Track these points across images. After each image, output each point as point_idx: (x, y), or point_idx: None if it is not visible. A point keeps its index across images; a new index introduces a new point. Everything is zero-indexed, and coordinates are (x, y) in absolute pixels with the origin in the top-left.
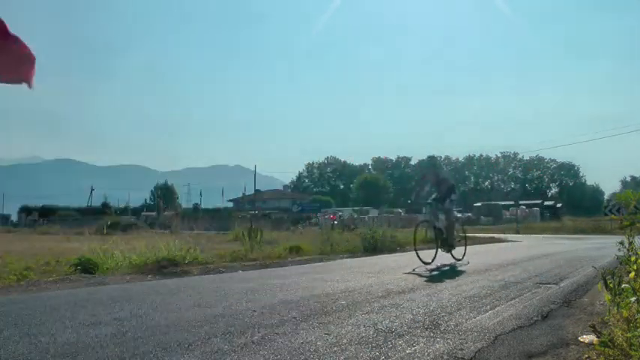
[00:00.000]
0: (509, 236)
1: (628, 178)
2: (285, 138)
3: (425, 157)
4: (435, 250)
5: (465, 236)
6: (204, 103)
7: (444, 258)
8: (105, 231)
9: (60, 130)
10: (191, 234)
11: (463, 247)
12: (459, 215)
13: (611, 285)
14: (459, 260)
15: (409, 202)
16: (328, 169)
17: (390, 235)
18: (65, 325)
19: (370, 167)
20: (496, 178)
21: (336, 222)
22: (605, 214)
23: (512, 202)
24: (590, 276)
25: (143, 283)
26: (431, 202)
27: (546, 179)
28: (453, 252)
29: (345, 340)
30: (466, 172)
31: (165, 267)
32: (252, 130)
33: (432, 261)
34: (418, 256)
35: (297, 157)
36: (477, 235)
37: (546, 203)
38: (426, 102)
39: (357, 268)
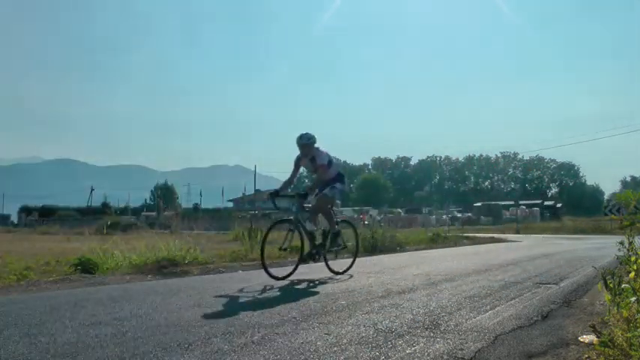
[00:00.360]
0: (509, 236)
1: (628, 178)
2: (285, 138)
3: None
4: (296, 261)
5: (358, 243)
6: (204, 103)
7: (315, 271)
8: (105, 231)
9: (60, 130)
10: (191, 234)
11: (351, 258)
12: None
13: (611, 285)
14: (339, 274)
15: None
16: None
17: (390, 235)
18: (65, 325)
19: (370, 167)
20: (496, 178)
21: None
22: (605, 214)
23: (512, 202)
24: (590, 276)
25: (143, 283)
26: (300, 193)
27: (546, 179)
28: (330, 262)
29: (345, 340)
30: (466, 172)
31: (165, 267)
32: (252, 130)
33: (289, 275)
34: (266, 270)
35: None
36: (477, 235)
37: (546, 203)
38: (426, 102)
39: (357, 268)
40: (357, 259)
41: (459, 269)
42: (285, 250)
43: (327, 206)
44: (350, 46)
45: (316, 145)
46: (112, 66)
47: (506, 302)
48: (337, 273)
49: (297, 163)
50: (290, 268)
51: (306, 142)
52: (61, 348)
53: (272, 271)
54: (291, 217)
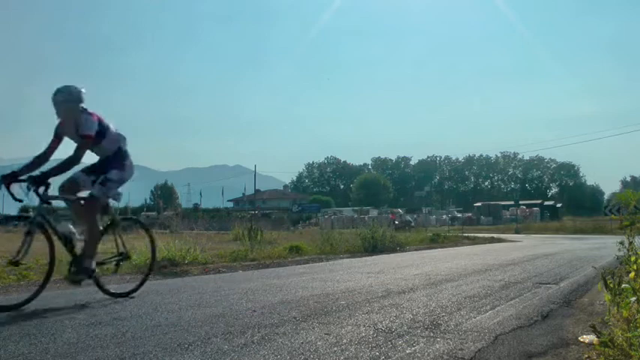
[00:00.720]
0: (509, 236)
1: (628, 178)
2: (285, 138)
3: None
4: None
5: (154, 253)
6: (205, 103)
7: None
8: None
9: None
10: (191, 234)
11: (140, 275)
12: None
13: (611, 285)
14: (120, 295)
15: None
16: (328, 169)
17: (390, 235)
18: (65, 325)
19: (370, 167)
20: (496, 178)
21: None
22: (605, 214)
23: (512, 202)
24: (590, 276)
25: None
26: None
27: (546, 179)
28: (99, 280)
29: (345, 340)
30: (466, 172)
31: (165, 267)
32: (252, 130)
33: (26, 302)
34: None
35: (297, 157)
36: (477, 235)
37: (546, 203)
38: (426, 102)
39: (357, 268)
40: (356, 259)
41: (459, 269)
42: (17, 264)
43: (94, 214)
44: (350, 46)
45: (83, 106)
46: (112, 66)
47: (507, 302)
48: (116, 295)
49: (57, 132)
50: (27, 295)
51: (63, 100)
52: (61, 348)
53: None
54: (30, 214)
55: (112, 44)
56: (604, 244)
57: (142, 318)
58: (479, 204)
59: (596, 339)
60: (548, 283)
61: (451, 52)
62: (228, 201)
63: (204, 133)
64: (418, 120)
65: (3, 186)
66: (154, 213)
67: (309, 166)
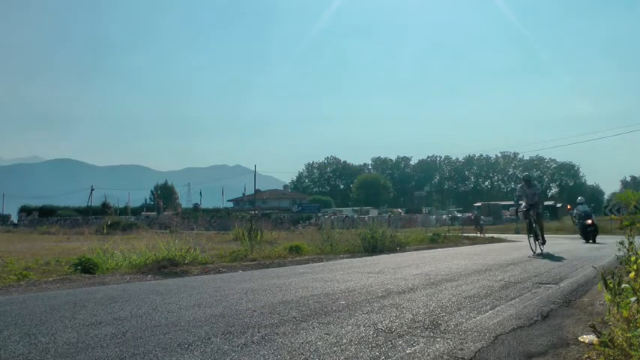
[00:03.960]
0: (509, 236)
1: (628, 178)
2: (285, 138)
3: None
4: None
5: None
6: (205, 104)
7: None
8: (105, 231)
9: (60, 130)
10: (191, 234)
11: None
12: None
13: (611, 285)
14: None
15: None
16: (328, 169)
17: (390, 235)
18: (65, 325)
19: (370, 167)
20: (496, 178)
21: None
22: (605, 214)
23: (512, 202)
24: (590, 276)
25: (143, 283)
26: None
27: (546, 179)
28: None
29: (345, 340)
30: (466, 172)
31: (165, 267)
32: (252, 130)
33: None
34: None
35: (297, 157)
36: (477, 235)
37: (546, 203)
38: (426, 102)
39: (357, 268)
40: (357, 259)
41: (459, 269)
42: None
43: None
44: (351, 46)
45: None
46: (113, 66)
47: (507, 302)
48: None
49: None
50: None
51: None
52: (61, 348)
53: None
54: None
55: (114, 46)
56: (604, 244)
57: (141, 318)
58: (479, 204)
59: (596, 339)
60: (548, 283)
61: (451, 52)
62: (228, 201)
63: (204, 133)
64: (418, 120)
65: None
66: (154, 213)
67: (309, 166)
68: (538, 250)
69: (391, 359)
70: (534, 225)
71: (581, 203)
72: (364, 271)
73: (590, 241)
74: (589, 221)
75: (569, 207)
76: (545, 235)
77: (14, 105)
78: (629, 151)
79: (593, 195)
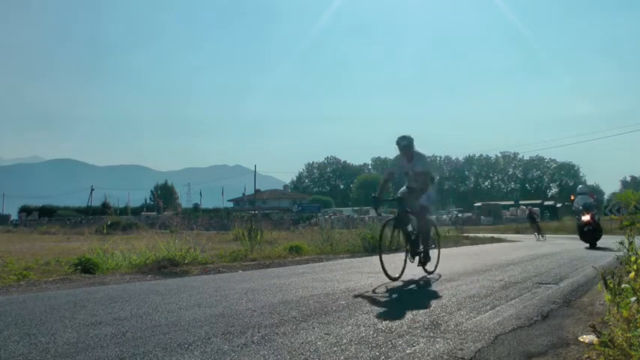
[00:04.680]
0: (509, 236)
1: (628, 178)
2: (285, 138)
3: None
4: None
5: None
6: (205, 104)
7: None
8: (105, 231)
9: (60, 130)
10: (191, 234)
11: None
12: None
13: (611, 285)
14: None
15: None
16: (328, 169)
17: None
18: (65, 325)
19: (370, 167)
20: (496, 178)
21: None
22: (605, 214)
23: (512, 202)
24: (590, 276)
25: (143, 283)
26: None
27: (546, 179)
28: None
29: (345, 340)
30: (466, 172)
31: (165, 267)
32: (252, 130)
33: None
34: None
35: (297, 157)
36: (477, 235)
37: (546, 203)
38: (426, 102)
39: (357, 268)
40: (357, 259)
41: (458, 269)
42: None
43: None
44: (351, 46)
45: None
46: (113, 66)
47: (507, 302)
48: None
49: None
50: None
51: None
52: (61, 348)
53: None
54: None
55: (114, 46)
56: (604, 243)
57: (141, 318)
58: (479, 204)
59: (596, 339)
60: (548, 283)
61: (451, 52)
62: (228, 201)
63: (204, 133)
64: (418, 120)
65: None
66: (154, 213)
67: (309, 166)
68: (401, 272)
69: (391, 359)
70: (410, 230)
71: (582, 193)
72: (364, 271)
73: (589, 245)
74: (586, 217)
75: (572, 197)
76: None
77: (14, 105)
78: (629, 151)
79: (597, 198)
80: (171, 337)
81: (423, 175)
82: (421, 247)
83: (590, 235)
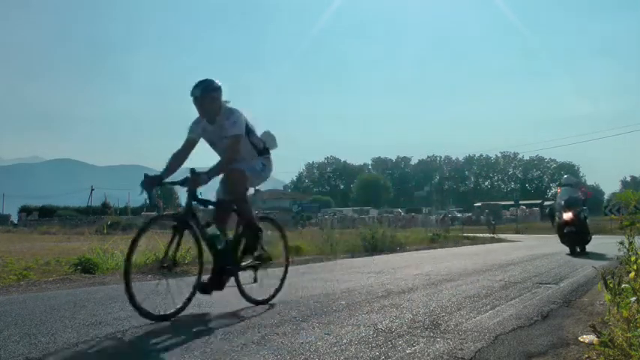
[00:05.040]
0: (509, 236)
1: (628, 178)
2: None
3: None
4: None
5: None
6: None
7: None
8: (105, 231)
9: (60, 130)
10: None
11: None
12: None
13: (611, 285)
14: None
15: None
16: (328, 169)
17: (390, 235)
18: (65, 325)
19: (370, 167)
20: (496, 178)
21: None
22: (605, 214)
23: (512, 202)
24: (590, 276)
25: (143, 283)
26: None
27: (546, 179)
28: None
29: (345, 340)
30: (466, 172)
31: (166, 267)
32: None
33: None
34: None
35: (297, 157)
36: (477, 235)
37: (546, 203)
38: (426, 102)
39: (357, 268)
40: (356, 259)
41: (459, 269)
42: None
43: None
44: (351, 45)
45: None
46: (112, 66)
47: (506, 302)
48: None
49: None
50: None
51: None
52: (61, 348)
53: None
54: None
55: (114, 46)
56: (604, 244)
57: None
58: (479, 204)
59: (596, 339)
60: (548, 283)
61: (451, 52)
62: None
63: None
64: (418, 120)
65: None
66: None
67: (309, 166)
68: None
69: (391, 359)
70: (212, 233)
71: (568, 184)
72: (364, 271)
73: (570, 251)
74: (568, 215)
75: (559, 190)
76: (544, 235)
77: (14, 105)
78: (629, 151)
79: (593, 195)
80: (171, 337)
81: (233, 140)
82: (247, 260)
83: (573, 237)
